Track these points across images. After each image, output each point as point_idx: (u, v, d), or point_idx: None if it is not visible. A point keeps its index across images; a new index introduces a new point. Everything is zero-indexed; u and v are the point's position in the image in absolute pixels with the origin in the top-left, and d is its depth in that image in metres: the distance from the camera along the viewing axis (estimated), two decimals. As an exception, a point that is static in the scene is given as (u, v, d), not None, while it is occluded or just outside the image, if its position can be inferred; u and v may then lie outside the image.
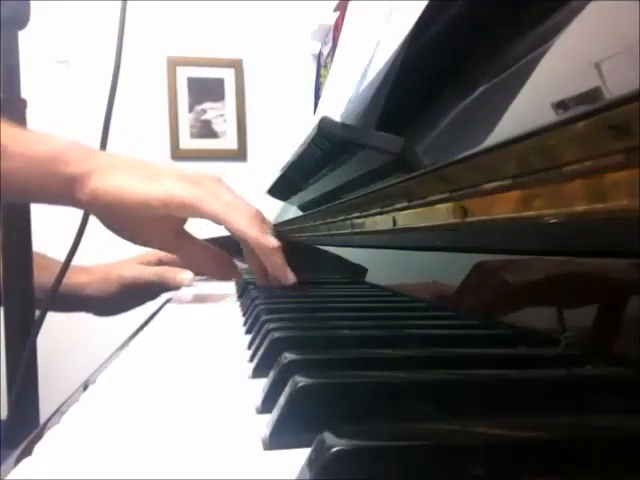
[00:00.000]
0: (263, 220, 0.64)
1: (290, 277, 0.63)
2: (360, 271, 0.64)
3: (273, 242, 0.62)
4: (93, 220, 0.68)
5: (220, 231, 0.69)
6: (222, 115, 2.22)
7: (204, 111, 2.21)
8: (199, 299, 0.76)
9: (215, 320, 0.58)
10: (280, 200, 1.06)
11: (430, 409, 0.21)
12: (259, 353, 0.32)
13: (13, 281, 0.77)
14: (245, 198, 0.65)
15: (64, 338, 1.83)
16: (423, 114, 0.38)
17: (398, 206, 0.42)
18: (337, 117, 0.56)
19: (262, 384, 0.27)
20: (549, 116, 0.21)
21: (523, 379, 0.23)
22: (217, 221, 0.61)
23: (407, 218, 0.41)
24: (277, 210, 1.25)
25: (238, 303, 0.67)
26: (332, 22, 1.75)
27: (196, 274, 0.96)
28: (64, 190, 0.60)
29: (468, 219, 0.31)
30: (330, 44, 1.76)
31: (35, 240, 0.76)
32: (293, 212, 0.98)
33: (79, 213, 0.76)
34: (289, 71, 2.22)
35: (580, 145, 0.20)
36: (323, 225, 0.73)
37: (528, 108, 0.25)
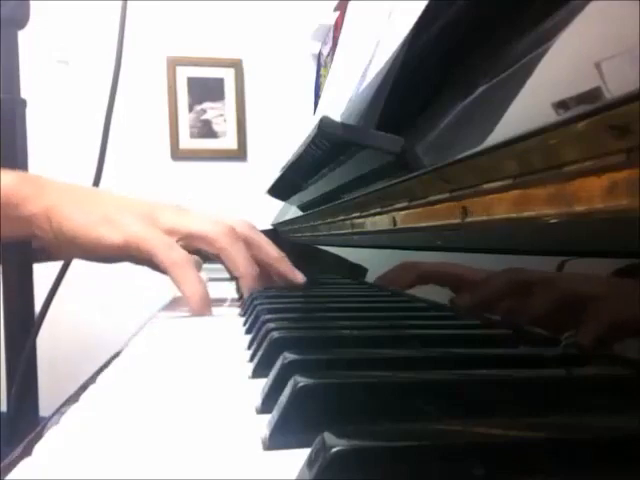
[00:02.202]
0: (237, 239, 0.60)
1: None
2: (360, 271, 0.64)
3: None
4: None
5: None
6: (222, 115, 2.22)
7: (204, 111, 2.21)
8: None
9: (215, 320, 0.58)
10: (280, 200, 1.06)
11: (430, 409, 0.21)
12: (259, 353, 0.32)
13: (13, 281, 0.77)
14: (213, 214, 0.62)
15: (64, 338, 1.83)
16: (423, 114, 0.38)
17: (398, 206, 0.43)
18: (337, 117, 0.56)
19: (262, 384, 0.27)
20: (549, 116, 0.21)
21: (523, 379, 0.23)
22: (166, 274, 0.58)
23: (407, 218, 0.41)
24: (277, 210, 1.25)
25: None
26: (332, 22, 1.75)
27: None
28: (24, 230, 0.59)
29: (468, 219, 0.31)
30: (330, 44, 1.76)
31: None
32: (293, 212, 0.98)
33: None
34: (289, 71, 2.22)
35: (580, 145, 0.20)
36: (323, 225, 0.73)
37: (528, 108, 0.25)
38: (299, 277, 0.65)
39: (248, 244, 0.62)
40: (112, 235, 0.57)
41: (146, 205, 0.61)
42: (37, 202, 0.58)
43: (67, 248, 0.60)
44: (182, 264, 0.57)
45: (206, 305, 0.58)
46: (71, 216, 0.58)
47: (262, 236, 0.65)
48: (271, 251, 0.65)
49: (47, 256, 0.78)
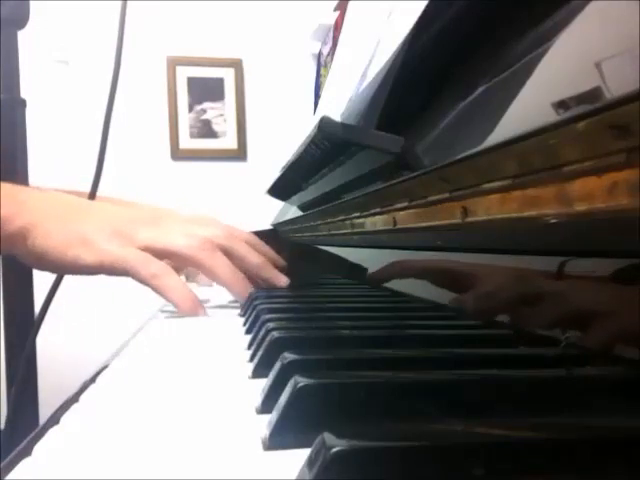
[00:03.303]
0: (214, 248, 0.61)
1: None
2: (360, 271, 0.64)
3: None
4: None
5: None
6: (222, 115, 2.22)
7: (204, 111, 2.21)
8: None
9: (215, 320, 0.58)
10: (280, 200, 1.06)
11: (430, 409, 0.21)
12: (259, 353, 0.32)
13: (13, 281, 0.77)
14: (195, 219, 0.64)
15: (64, 338, 1.83)
16: (423, 114, 0.38)
17: (398, 206, 0.43)
18: (337, 117, 0.56)
19: (262, 384, 0.27)
20: (549, 116, 0.21)
21: (523, 379, 0.23)
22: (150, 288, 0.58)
23: (407, 218, 0.41)
24: (277, 210, 1.25)
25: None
26: (332, 22, 1.75)
27: None
28: (4, 249, 0.60)
29: (468, 219, 0.31)
30: (330, 44, 1.76)
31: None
32: (293, 212, 0.98)
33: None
34: (289, 71, 2.22)
35: (580, 145, 0.20)
36: (323, 225, 0.73)
37: (528, 108, 0.25)
38: (283, 281, 0.66)
39: (228, 254, 0.62)
40: (86, 256, 0.58)
41: (122, 221, 0.61)
42: (15, 222, 0.59)
43: (43, 265, 0.61)
44: (161, 274, 0.57)
45: (197, 306, 0.58)
46: (47, 235, 0.59)
47: (241, 242, 0.65)
48: (252, 259, 0.65)
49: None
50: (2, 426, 0.75)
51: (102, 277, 0.71)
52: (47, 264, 0.60)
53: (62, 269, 0.61)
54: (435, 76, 0.37)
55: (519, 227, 0.27)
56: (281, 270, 0.68)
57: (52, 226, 0.59)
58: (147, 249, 0.59)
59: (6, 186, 0.62)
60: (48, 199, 0.63)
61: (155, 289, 0.57)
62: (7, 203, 0.59)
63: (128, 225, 0.61)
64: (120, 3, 0.80)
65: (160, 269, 0.57)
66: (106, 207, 0.65)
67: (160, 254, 0.59)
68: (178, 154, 2.19)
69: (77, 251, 0.58)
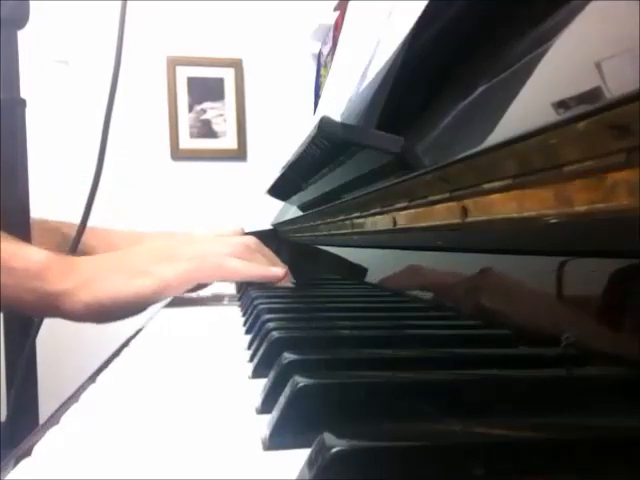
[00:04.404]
0: (251, 250, 0.67)
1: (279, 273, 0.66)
2: (360, 271, 0.64)
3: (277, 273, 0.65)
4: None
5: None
6: (222, 115, 2.22)
7: (204, 111, 2.21)
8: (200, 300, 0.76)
9: (215, 320, 0.58)
10: (280, 200, 1.06)
11: (430, 409, 0.21)
12: (259, 353, 0.32)
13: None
14: (221, 238, 0.70)
15: (64, 338, 1.83)
16: (423, 114, 0.38)
17: (398, 206, 0.43)
18: (337, 117, 0.56)
19: (262, 384, 0.27)
20: (549, 116, 0.21)
21: (523, 379, 0.23)
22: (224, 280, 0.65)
23: (407, 218, 0.41)
24: (277, 210, 1.25)
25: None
26: (332, 22, 1.75)
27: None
28: (46, 305, 0.60)
29: (468, 219, 0.31)
30: (330, 44, 1.76)
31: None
32: (293, 212, 0.98)
33: (79, 212, 0.76)
34: (289, 71, 2.22)
35: (580, 145, 0.20)
36: (323, 225, 0.73)
37: (528, 108, 0.25)
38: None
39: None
40: (149, 284, 0.59)
41: (165, 246, 0.67)
42: (63, 281, 0.59)
43: (105, 318, 0.62)
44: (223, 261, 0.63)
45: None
46: (104, 285, 0.59)
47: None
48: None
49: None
50: (2, 426, 0.75)
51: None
52: (113, 308, 0.60)
53: (129, 307, 0.61)
54: (435, 76, 0.37)
55: (519, 227, 0.27)
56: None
57: (106, 271, 0.61)
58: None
59: (58, 254, 0.63)
60: (92, 258, 0.66)
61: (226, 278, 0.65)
62: (58, 264, 0.60)
63: (170, 248, 0.65)
64: (120, 3, 0.80)
65: (219, 258, 0.63)
66: (145, 245, 0.71)
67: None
68: (178, 154, 2.19)
69: (138, 282, 0.59)
